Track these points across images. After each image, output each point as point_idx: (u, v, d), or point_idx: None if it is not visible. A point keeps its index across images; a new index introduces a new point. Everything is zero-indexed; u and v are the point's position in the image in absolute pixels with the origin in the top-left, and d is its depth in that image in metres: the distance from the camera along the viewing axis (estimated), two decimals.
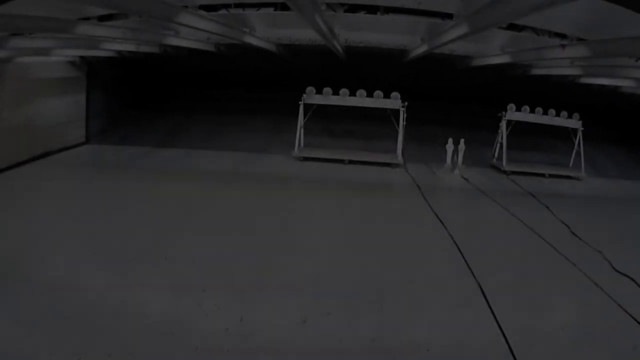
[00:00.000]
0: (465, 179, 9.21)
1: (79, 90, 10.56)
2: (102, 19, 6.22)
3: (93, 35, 6.45)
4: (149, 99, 12.84)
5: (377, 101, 9.89)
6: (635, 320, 3.74)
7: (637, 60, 6.26)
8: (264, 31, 7.30)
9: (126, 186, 7.50)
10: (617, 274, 4.78)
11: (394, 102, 9.81)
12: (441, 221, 6.26)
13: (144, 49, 8.25)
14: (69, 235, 5.22)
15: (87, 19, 6.03)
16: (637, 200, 8.91)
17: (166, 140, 11.05)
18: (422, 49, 6.91)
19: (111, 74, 11.45)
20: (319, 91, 9.83)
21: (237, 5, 5.82)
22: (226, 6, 5.83)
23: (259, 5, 5.96)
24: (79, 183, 7.87)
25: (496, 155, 10.27)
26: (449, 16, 5.65)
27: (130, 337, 3.15)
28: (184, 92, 12.73)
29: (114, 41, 7.22)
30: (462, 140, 9.70)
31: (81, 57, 9.81)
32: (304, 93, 9.80)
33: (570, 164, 10.45)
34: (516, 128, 10.08)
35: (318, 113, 9.99)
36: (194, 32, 6.30)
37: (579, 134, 10.11)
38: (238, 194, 7.36)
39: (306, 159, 9.58)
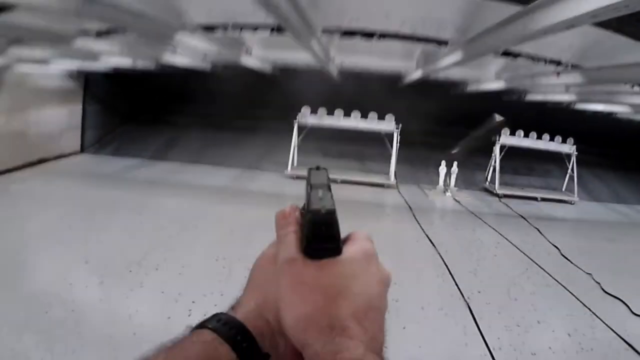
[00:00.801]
0: (457, 201, 9.25)
1: (75, 101, 10.65)
2: (100, 34, 6.25)
3: (91, 50, 6.52)
4: (144, 112, 12.84)
5: (372, 123, 9.98)
6: (623, 339, 3.86)
7: (632, 87, 6.36)
8: (260, 53, 7.37)
9: (117, 195, 7.52)
10: (607, 296, 4.87)
11: (388, 124, 9.91)
12: (431, 241, 6.27)
13: (141, 64, 8.30)
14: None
15: (85, 32, 6.07)
16: (629, 224, 8.99)
17: (160, 153, 11.10)
18: (418, 74, 7.00)
19: (107, 87, 11.50)
20: (314, 111, 9.89)
21: (235, 27, 5.87)
22: (224, 27, 5.88)
23: (256, 27, 6.01)
24: (70, 189, 7.86)
25: (489, 178, 10.35)
26: (445, 43, 5.72)
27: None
28: (179, 108, 12.74)
29: (111, 56, 7.26)
30: (455, 163, 9.77)
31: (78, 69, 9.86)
32: (299, 113, 9.85)
33: (564, 188, 10.54)
34: (510, 152, 10.21)
35: (312, 133, 10.04)
36: (190, 50, 6.36)
37: (573, 159, 10.24)
38: (231, 208, 7.30)
39: (298, 177, 9.57)
